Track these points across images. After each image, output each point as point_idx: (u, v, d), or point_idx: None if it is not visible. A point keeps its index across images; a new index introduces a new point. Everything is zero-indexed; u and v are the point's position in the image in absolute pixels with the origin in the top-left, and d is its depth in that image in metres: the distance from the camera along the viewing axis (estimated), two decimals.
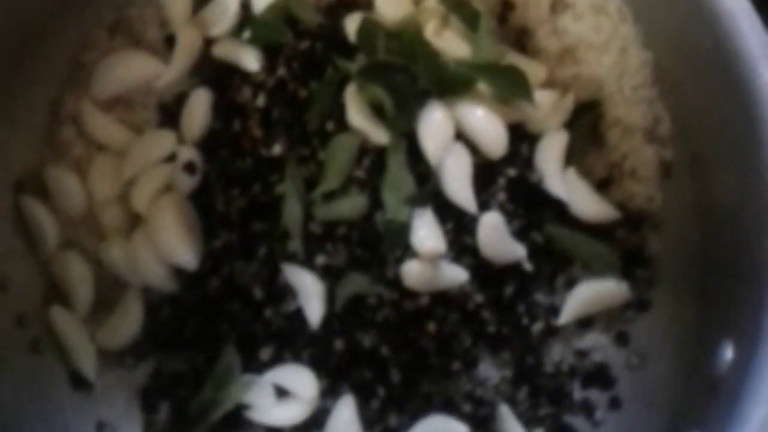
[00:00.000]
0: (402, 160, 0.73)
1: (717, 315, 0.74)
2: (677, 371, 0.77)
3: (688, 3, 0.72)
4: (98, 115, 0.77)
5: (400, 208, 0.72)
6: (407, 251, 0.73)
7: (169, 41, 0.79)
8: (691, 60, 0.75)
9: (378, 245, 0.73)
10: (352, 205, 0.73)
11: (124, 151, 0.76)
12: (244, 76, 0.77)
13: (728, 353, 0.70)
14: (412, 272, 0.72)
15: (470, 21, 0.77)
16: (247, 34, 0.77)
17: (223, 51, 0.78)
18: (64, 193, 0.75)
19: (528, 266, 0.76)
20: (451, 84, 0.75)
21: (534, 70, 0.79)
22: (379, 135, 0.74)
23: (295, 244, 0.73)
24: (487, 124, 0.76)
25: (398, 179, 0.73)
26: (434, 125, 0.75)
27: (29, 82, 0.75)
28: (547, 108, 0.78)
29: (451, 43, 0.77)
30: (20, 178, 0.76)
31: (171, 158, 0.76)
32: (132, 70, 0.78)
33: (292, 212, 0.73)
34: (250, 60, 0.77)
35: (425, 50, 0.75)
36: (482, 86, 0.76)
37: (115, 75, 0.77)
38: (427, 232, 0.72)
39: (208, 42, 0.79)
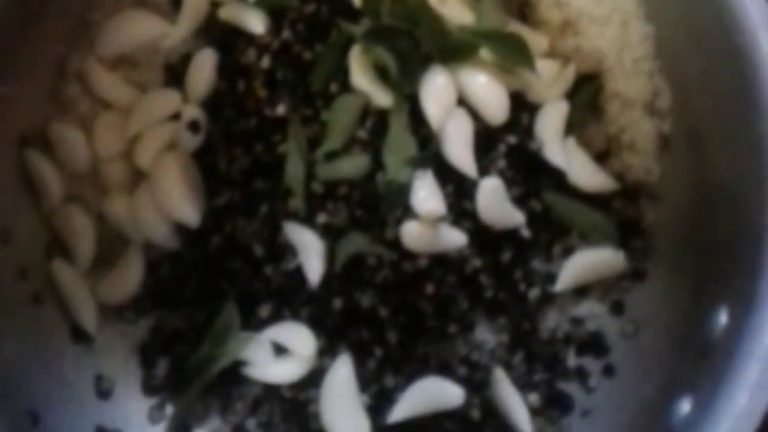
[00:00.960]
0: (404, 122, 0.74)
1: (712, 283, 0.74)
2: (671, 339, 0.77)
3: None
4: (103, 73, 0.78)
5: (401, 170, 0.73)
6: (407, 213, 0.73)
7: (176, 2, 0.80)
8: (692, 33, 0.76)
9: (378, 206, 0.74)
10: (354, 165, 0.74)
11: (128, 108, 0.77)
12: (249, 38, 0.78)
13: (722, 319, 0.71)
14: (412, 233, 0.73)
15: None
16: None
17: (229, 13, 0.79)
18: (68, 149, 0.76)
19: (526, 233, 0.77)
20: (454, 50, 0.76)
21: (536, 40, 0.79)
22: (382, 97, 0.74)
23: (297, 202, 0.74)
24: (488, 91, 0.76)
25: (400, 141, 0.74)
26: (437, 89, 0.75)
27: (36, 40, 0.76)
28: (548, 78, 0.79)
29: (455, 10, 0.78)
30: (25, 133, 0.76)
31: (175, 117, 0.77)
32: (138, 29, 0.78)
33: (294, 171, 0.73)
34: (256, 22, 0.77)
35: (429, 16, 0.75)
36: (485, 53, 0.76)
37: (121, 34, 0.78)
38: (427, 194, 0.73)
39: (215, 4, 0.79)
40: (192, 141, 0.76)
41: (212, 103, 0.78)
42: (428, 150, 0.74)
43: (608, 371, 0.80)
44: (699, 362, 0.72)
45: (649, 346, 0.79)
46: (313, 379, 0.74)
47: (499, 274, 0.78)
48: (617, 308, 0.81)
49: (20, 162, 0.76)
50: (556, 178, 0.78)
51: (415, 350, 0.76)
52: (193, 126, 0.76)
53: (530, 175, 0.78)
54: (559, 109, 0.79)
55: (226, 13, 0.79)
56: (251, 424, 0.76)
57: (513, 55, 0.76)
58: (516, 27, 0.79)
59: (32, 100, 0.77)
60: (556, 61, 0.80)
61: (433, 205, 0.73)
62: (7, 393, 0.69)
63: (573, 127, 0.80)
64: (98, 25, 0.78)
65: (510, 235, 0.77)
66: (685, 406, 0.70)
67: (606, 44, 0.80)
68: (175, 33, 0.78)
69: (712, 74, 0.74)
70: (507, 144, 0.77)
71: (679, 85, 0.80)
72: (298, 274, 0.74)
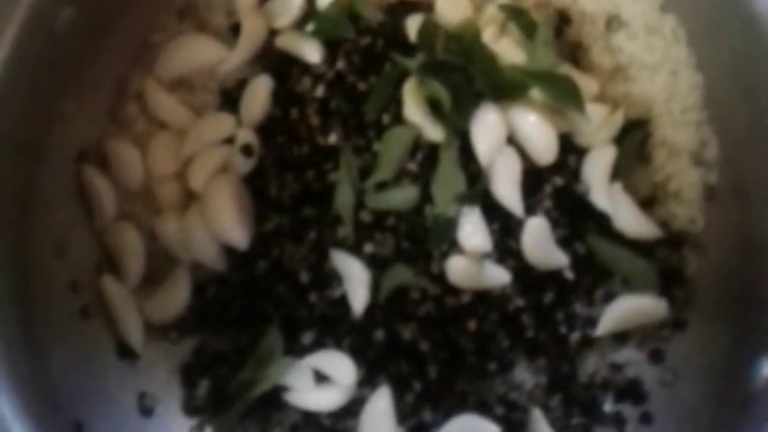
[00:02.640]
0: (454, 157, 0.75)
1: (754, 335, 0.74)
2: (710, 390, 0.77)
3: (744, 28, 0.73)
4: (161, 95, 0.79)
5: (449, 204, 0.73)
6: (453, 247, 0.74)
7: (235, 29, 0.81)
8: (741, 84, 0.76)
9: (425, 239, 0.74)
10: (403, 196, 0.74)
11: (184, 130, 0.78)
12: (305, 67, 0.79)
13: (764, 371, 0.70)
14: (457, 268, 0.73)
15: (528, 30, 0.79)
16: (310, 27, 0.79)
17: (286, 42, 0.80)
18: (124, 167, 0.77)
19: (569, 275, 0.77)
20: (505, 88, 0.76)
21: (586, 83, 0.80)
22: (433, 131, 0.75)
23: (346, 231, 0.74)
24: (538, 131, 0.77)
25: (449, 176, 0.74)
26: (487, 126, 0.76)
27: (99, 59, 0.78)
28: (596, 122, 0.79)
29: (508, 50, 0.79)
30: (83, 149, 0.78)
31: (229, 141, 0.78)
32: (196, 53, 0.80)
33: (344, 199, 0.74)
34: (312, 52, 0.79)
35: (483, 53, 0.76)
36: (536, 94, 0.77)
37: (180, 57, 0.80)
38: (473, 230, 0.74)
39: (272, 32, 0.81)
40: (244, 165, 0.77)
41: (266, 129, 0.79)
42: (477, 186, 0.74)
43: (645, 419, 0.79)
44: (739, 415, 0.71)
45: (688, 395, 0.78)
46: (352, 409, 0.74)
47: (540, 314, 0.78)
48: (657, 356, 0.81)
49: (77, 178, 0.77)
50: (601, 223, 0.78)
51: (454, 386, 0.76)
52: (247, 150, 0.77)
53: (575, 217, 0.78)
54: (606, 153, 0.79)
55: (283, 41, 0.80)
56: None
57: (563, 97, 0.76)
58: (567, 70, 0.80)
59: (92, 118, 0.78)
60: (606, 105, 0.80)
61: (479, 242, 0.73)
62: (54, 405, 0.70)
63: (619, 173, 0.80)
64: (159, 47, 0.80)
65: (553, 276, 0.77)
66: None
67: (655, 92, 0.80)
68: (232, 58, 0.80)
69: (760, 126, 0.74)
70: (554, 185, 0.78)
71: (726, 136, 0.80)
72: (343, 302, 0.75)
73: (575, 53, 0.83)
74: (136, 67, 0.80)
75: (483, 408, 0.76)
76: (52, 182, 0.75)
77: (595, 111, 0.79)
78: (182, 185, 0.78)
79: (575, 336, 0.79)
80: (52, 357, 0.71)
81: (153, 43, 0.81)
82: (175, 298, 0.77)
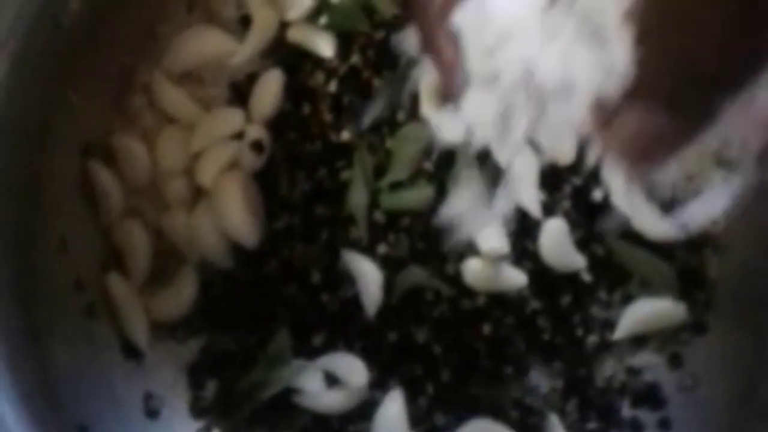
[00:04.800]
0: (471, 156, 0.73)
1: None
2: (731, 396, 0.75)
3: None
4: (169, 88, 0.77)
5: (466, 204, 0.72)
6: (469, 249, 0.72)
7: (245, 21, 0.79)
8: None
9: (440, 240, 0.72)
10: (419, 196, 0.73)
11: (192, 124, 0.76)
12: (317, 61, 0.77)
13: None
14: (473, 270, 0.72)
15: None
16: (323, 20, 0.77)
17: (298, 35, 0.78)
18: (130, 161, 0.75)
19: (587, 277, 0.76)
20: None
21: None
22: (450, 129, 0.73)
23: (359, 231, 0.73)
24: (557, 130, 0.75)
25: (466, 176, 0.72)
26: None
27: (106, 48, 0.75)
28: None
29: None
30: (89, 143, 0.76)
31: (238, 136, 0.76)
32: (206, 45, 0.78)
33: (358, 198, 0.73)
34: (325, 46, 0.77)
35: None
36: None
37: (188, 49, 0.77)
38: (490, 232, 0.72)
39: (284, 25, 0.79)
40: (254, 161, 0.75)
41: (276, 125, 0.77)
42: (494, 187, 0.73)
43: (664, 425, 0.78)
44: (761, 423, 0.70)
45: (708, 401, 0.77)
46: (363, 412, 0.73)
47: (557, 317, 0.76)
48: (676, 361, 0.79)
49: (82, 172, 0.75)
50: (620, 224, 0.76)
51: (468, 390, 0.74)
52: (257, 146, 0.75)
53: (594, 218, 0.77)
54: None
55: (294, 34, 0.78)
56: None
57: None
58: None
59: (97, 110, 0.76)
60: None
61: (496, 244, 0.71)
62: (57, 406, 0.68)
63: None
64: (167, 38, 0.78)
65: (570, 278, 0.75)
66: None
67: None
68: (242, 51, 0.78)
69: None
70: (572, 185, 0.76)
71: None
72: (355, 303, 0.73)
73: None
74: (144, 59, 0.78)
75: (497, 412, 0.74)
76: (57, 176, 0.73)
77: None
78: (190, 181, 0.76)
79: (592, 339, 0.77)
80: (56, 357, 0.70)
81: (161, 33, 0.79)
82: (182, 296, 0.75)
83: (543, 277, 0.75)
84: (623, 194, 0.76)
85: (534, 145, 0.74)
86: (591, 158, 0.76)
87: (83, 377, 0.72)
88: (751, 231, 0.77)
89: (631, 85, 0.46)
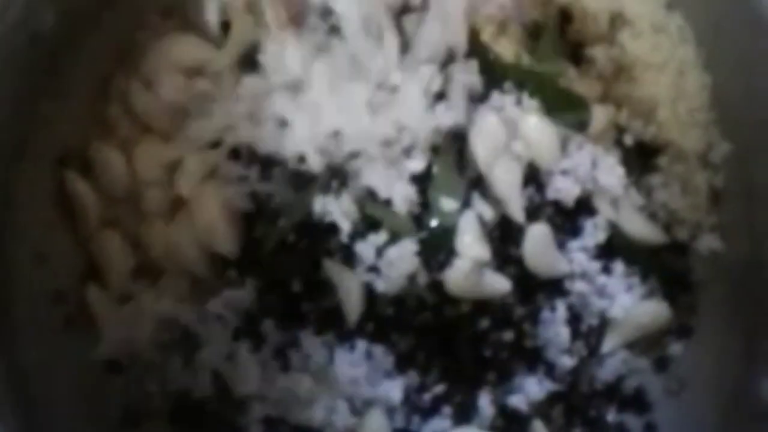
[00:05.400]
0: (451, 162, 0.72)
1: (764, 345, 0.72)
2: (717, 400, 0.75)
3: (753, 28, 0.71)
4: (146, 96, 0.76)
5: (447, 212, 0.71)
6: (451, 256, 0.71)
7: (226, 27, 0.78)
8: (752, 86, 0.74)
9: (422, 247, 0.71)
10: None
11: (170, 133, 0.75)
12: None
13: None
14: (455, 277, 0.71)
15: (531, 30, 0.77)
16: None
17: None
18: (108, 171, 0.74)
19: (570, 282, 0.75)
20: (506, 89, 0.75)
21: (588, 85, 0.78)
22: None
23: (341, 239, 0.71)
24: (539, 134, 0.74)
25: (447, 182, 0.72)
26: (486, 130, 0.73)
27: (81, 57, 0.75)
28: (599, 123, 0.77)
29: (507, 50, 0.77)
30: (65, 154, 0.75)
31: (217, 144, 0.75)
32: (183, 53, 0.77)
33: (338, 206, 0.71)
34: None
35: (480, 51, 0.75)
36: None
37: (165, 56, 0.76)
38: (472, 238, 0.71)
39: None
40: (233, 170, 0.74)
41: None
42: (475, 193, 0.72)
43: (650, 429, 0.78)
44: (748, 427, 0.70)
45: (694, 406, 0.77)
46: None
47: (540, 323, 0.75)
48: (661, 364, 0.79)
49: (59, 184, 0.74)
50: (605, 228, 0.76)
51: (453, 397, 0.74)
52: (235, 155, 0.74)
53: (577, 223, 0.76)
54: (610, 156, 0.76)
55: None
56: None
57: (565, 107, 0.74)
58: (569, 71, 0.77)
59: (73, 120, 0.75)
60: (609, 107, 0.78)
61: (477, 250, 0.70)
62: (35, 419, 0.67)
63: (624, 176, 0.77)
64: (144, 46, 0.77)
65: (554, 283, 0.75)
66: None
67: (661, 92, 0.78)
68: (220, 58, 0.76)
69: None
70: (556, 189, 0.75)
71: (735, 138, 0.78)
72: (336, 312, 0.72)
73: (577, 52, 0.80)
74: (121, 67, 0.77)
75: (482, 419, 0.74)
76: (33, 187, 0.73)
77: (599, 113, 0.77)
78: (168, 191, 0.75)
79: (577, 345, 0.76)
80: (35, 368, 0.69)
81: (138, 41, 0.78)
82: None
83: (527, 282, 0.74)
84: (607, 198, 0.76)
85: (516, 148, 0.74)
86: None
87: (63, 389, 0.71)
88: (737, 234, 0.77)
89: None
